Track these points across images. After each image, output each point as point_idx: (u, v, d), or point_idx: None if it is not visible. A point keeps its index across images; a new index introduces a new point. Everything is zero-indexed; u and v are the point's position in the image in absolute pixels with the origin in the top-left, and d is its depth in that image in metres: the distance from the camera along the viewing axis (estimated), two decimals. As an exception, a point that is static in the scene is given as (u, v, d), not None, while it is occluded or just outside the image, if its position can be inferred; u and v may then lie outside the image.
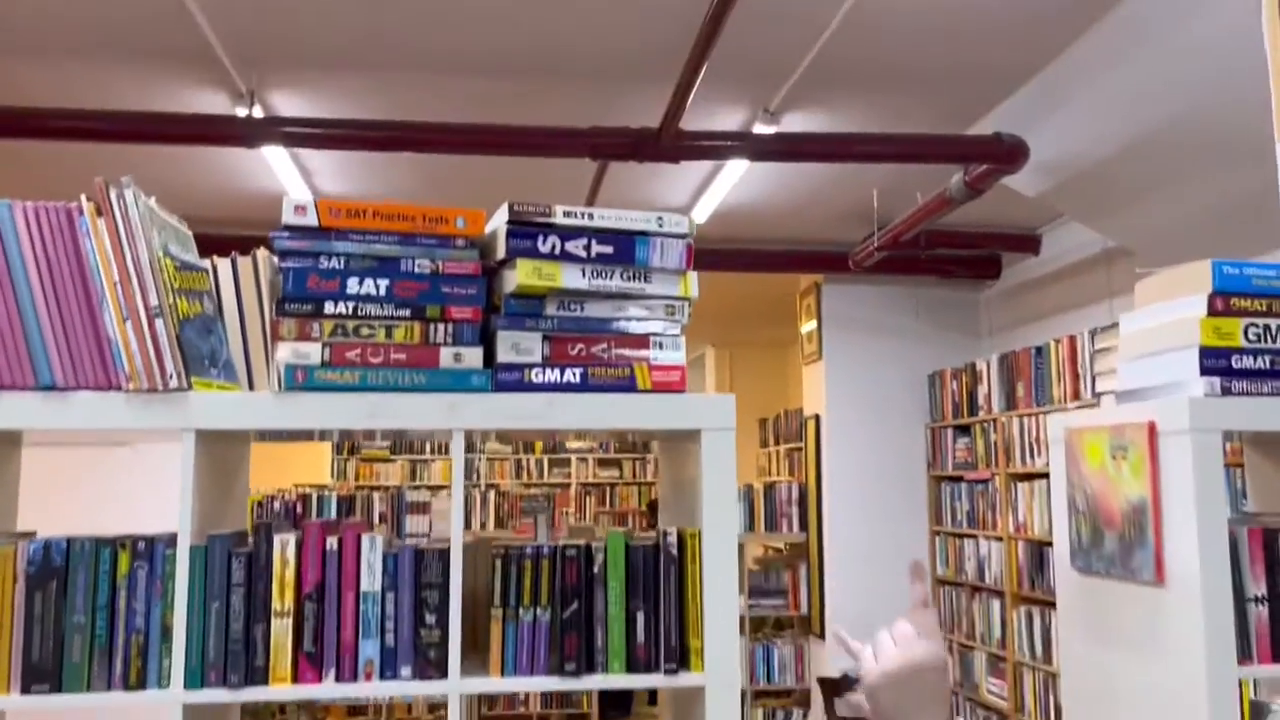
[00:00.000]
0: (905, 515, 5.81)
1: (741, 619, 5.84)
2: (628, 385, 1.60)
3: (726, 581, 1.57)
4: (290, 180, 5.09)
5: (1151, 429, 1.70)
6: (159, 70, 3.97)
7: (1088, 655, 1.96)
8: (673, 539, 1.58)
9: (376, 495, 9.36)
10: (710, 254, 5.63)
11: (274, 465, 7.60)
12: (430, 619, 1.52)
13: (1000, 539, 4.89)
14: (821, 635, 5.66)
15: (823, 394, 5.99)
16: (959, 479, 5.44)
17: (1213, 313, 1.68)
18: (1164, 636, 1.70)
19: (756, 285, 6.77)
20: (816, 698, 5.43)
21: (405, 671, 1.50)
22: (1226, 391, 1.67)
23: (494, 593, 1.54)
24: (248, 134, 3.92)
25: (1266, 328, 1.68)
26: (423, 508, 5.99)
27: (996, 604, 4.94)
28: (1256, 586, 1.64)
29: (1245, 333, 1.68)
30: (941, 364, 5.82)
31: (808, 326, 6.23)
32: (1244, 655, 1.63)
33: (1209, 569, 1.61)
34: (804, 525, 6.10)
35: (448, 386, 1.54)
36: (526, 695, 7.02)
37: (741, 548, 6.07)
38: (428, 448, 11.14)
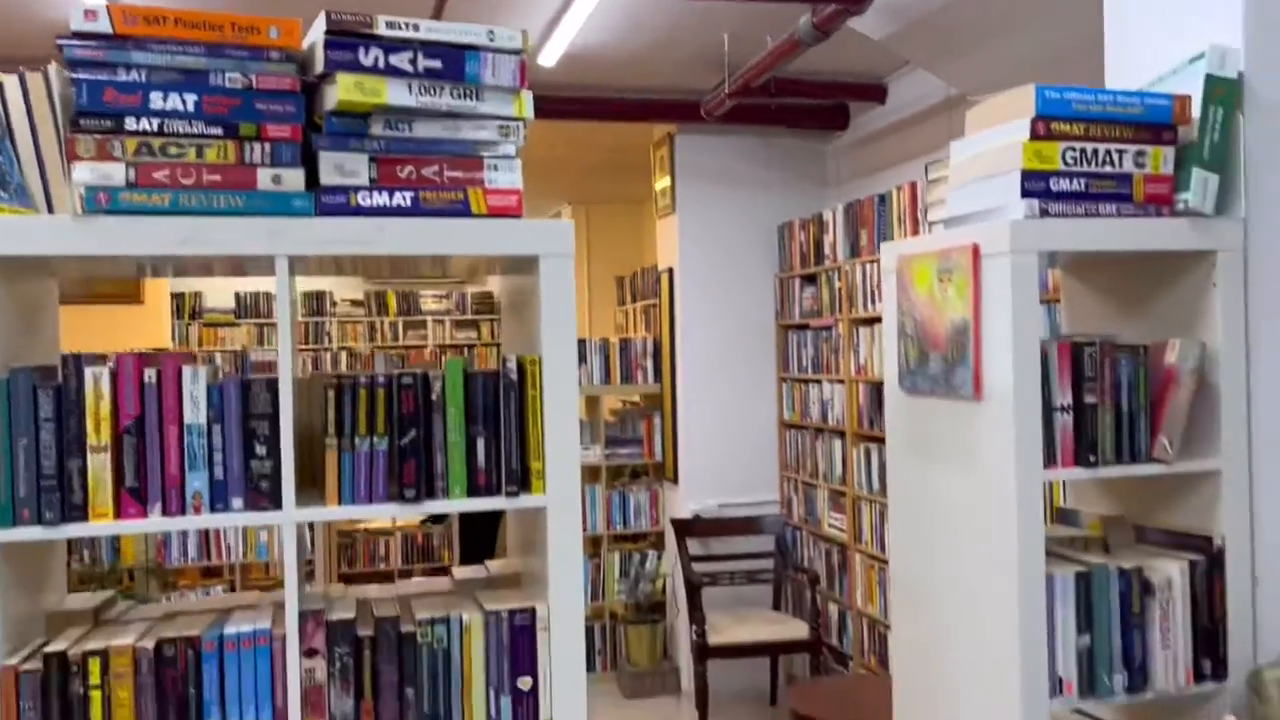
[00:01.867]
0: (755, 364, 5.97)
1: (598, 468, 5.98)
2: (462, 209, 1.56)
3: (566, 405, 1.58)
4: None
5: (975, 251, 1.77)
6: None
7: (912, 471, 2.07)
8: (512, 365, 1.57)
9: (220, 357, 9.03)
10: (562, 101, 5.49)
11: (106, 329, 7.21)
12: (261, 450, 1.48)
13: (842, 382, 5.09)
14: (675, 480, 5.84)
15: (676, 247, 6.02)
16: (805, 327, 5.60)
17: (1035, 137, 1.73)
18: (979, 447, 1.81)
19: (612, 137, 6.67)
20: (670, 539, 5.64)
21: (236, 503, 1.46)
22: (1045, 214, 1.73)
23: (328, 423, 1.51)
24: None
25: (1083, 151, 1.74)
26: (269, 367, 5.83)
27: (838, 443, 5.18)
28: (1063, 396, 1.75)
29: (1063, 156, 1.74)
30: (790, 215, 5.91)
31: (662, 182, 6.20)
32: (1050, 461, 1.75)
33: (1021, 382, 1.71)
34: (658, 377, 6.22)
35: (267, 210, 1.46)
36: (386, 551, 7.07)
37: (598, 400, 6.15)
38: (274, 311, 10.77)
